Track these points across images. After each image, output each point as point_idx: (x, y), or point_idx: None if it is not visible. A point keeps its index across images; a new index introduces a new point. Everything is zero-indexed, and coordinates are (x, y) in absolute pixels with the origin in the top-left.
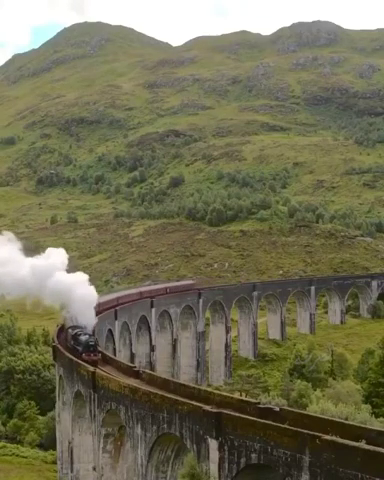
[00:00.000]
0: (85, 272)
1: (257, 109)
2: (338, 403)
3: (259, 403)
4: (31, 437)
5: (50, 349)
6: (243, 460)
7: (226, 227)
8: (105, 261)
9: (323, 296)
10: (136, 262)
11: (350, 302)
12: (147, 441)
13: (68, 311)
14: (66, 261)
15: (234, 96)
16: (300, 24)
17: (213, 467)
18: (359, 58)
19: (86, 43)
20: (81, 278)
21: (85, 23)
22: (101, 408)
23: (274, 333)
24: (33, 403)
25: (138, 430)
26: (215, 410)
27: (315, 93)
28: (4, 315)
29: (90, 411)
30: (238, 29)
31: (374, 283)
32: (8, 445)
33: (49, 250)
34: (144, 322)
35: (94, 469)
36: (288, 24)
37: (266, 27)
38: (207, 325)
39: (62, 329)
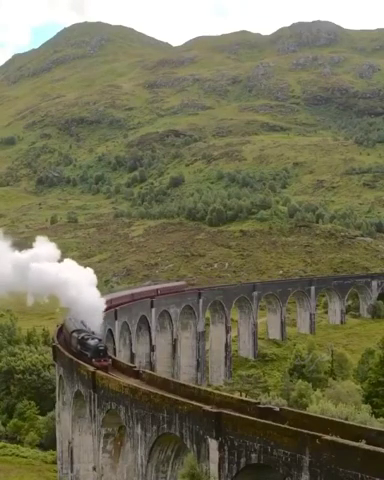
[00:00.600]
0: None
1: (257, 109)
2: (338, 403)
3: (259, 403)
4: (31, 437)
5: (50, 349)
6: (243, 460)
7: (226, 227)
8: (105, 261)
9: (323, 296)
10: (136, 262)
11: (350, 302)
12: (147, 441)
13: (70, 313)
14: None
15: (234, 96)
16: (300, 24)
17: (213, 467)
18: (359, 58)
19: (86, 43)
20: (87, 277)
21: (85, 23)
22: (101, 408)
23: (274, 333)
24: (33, 403)
25: (138, 430)
26: (215, 410)
27: (315, 93)
28: (4, 315)
29: (90, 411)
30: (238, 29)
31: (374, 283)
32: (8, 445)
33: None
34: (144, 322)
35: (94, 469)
36: (288, 24)
37: (266, 27)
38: (207, 325)
39: (62, 329)
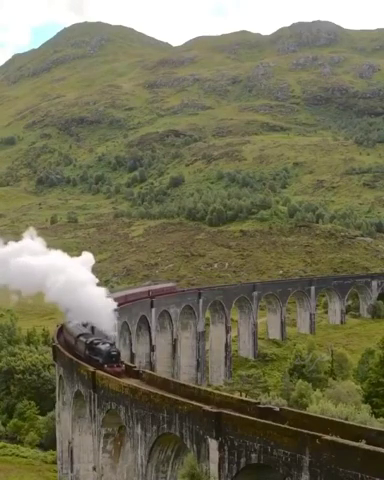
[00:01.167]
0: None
1: (257, 109)
2: (338, 403)
3: (259, 403)
4: (31, 437)
5: (50, 349)
6: (243, 460)
7: (226, 227)
8: (105, 261)
9: (323, 296)
10: (136, 262)
11: (350, 302)
12: (147, 441)
13: (70, 315)
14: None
15: (234, 96)
16: (300, 24)
17: (213, 467)
18: (359, 58)
19: (86, 43)
20: (87, 273)
21: (85, 23)
22: (101, 408)
23: (274, 333)
24: (33, 403)
25: (138, 430)
26: (215, 410)
27: (315, 93)
28: (4, 315)
29: (90, 411)
30: (238, 29)
31: (374, 283)
32: (8, 445)
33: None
34: (144, 322)
35: (94, 469)
36: (288, 24)
37: (266, 27)
38: (207, 325)
39: (62, 330)
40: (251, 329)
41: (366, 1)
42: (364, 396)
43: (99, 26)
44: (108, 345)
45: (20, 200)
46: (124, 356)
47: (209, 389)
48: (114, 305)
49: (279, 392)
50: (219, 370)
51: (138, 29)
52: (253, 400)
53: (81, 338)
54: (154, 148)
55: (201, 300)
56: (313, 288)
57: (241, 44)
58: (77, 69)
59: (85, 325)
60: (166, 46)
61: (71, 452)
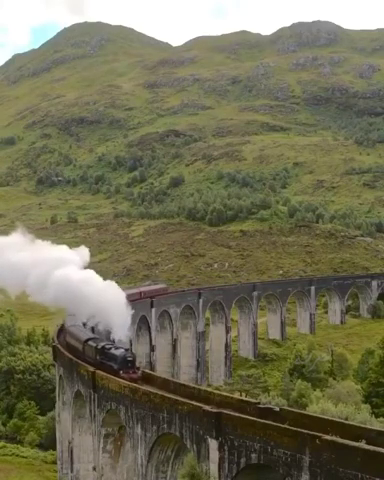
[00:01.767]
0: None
1: (257, 109)
2: (338, 403)
3: (259, 403)
4: (31, 437)
5: (50, 349)
6: (243, 460)
7: (226, 227)
8: (105, 261)
9: (323, 296)
10: (136, 262)
11: (350, 302)
12: (147, 441)
13: (71, 316)
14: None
15: (234, 96)
16: (300, 24)
17: (213, 467)
18: (359, 58)
19: (86, 43)
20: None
21: (85, 23)
22: (101, 408)
23: (274, 333)
24: (33, 403)
25: (138, 430)
26: (215, 410)
27: (315, 93)
28: (4, 315)
29: (90, 411)
30: (238, 29)
31: (374, 283)
32: (8, 445)
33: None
34: (144, 322)
35: (94, 469)
36: (288, 24)
37: (266, 27)
38: (207, 325)
39: (62, 330)
40: (251, 329)
41: (366, 1)
42: (364, 396)
43: (99, 26)
44: (123, 350)
45: (20, 200)
46: None
47: (209, 389)
48: (129, 307)
49: (279, 392)
50: (219, 370)
51: (138, 29)
52: (253, 400)
53: (90, 343)
54: (154, 148)
55: (201, 300)
56: (313, 288)
57: (241, 44)
58: (77, 69)
59: (86, 324)
60: (166, 46)
61: (71, 452)
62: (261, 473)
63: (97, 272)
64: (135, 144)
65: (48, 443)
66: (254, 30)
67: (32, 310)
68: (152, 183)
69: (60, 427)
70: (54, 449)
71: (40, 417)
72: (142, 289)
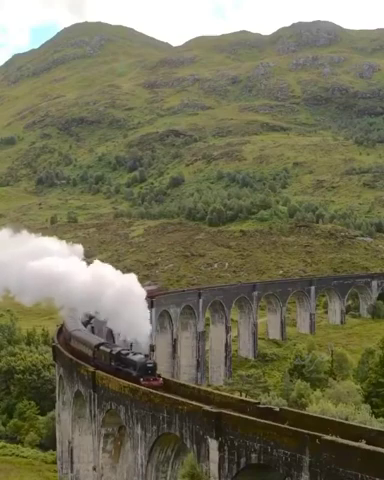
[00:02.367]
0: None
1: (257, 109)
2: (338, 403)
3: (259, 403)
4: (31, 437)
5: (50, 349)
6: (243, 460)
7: (226, 227)
8: (105, 261)
9: (323, 296)
10: (136, 262)
11: (350, 302)
12: (147, 441)
13: (74, 317)
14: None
15: (234, 96)
16: (300, 24)
17: (213, 467)
18: (359, 58)
19: (86, 43)
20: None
21: (85, 23)
22: (101, 408)
23: (274, 333)
24: (33, 403)
25: (138, 430)
26: (215, 410)
27: (315, 93)
28: (4, 315)
29: (90, 411)
30: (238, 29)
31: (374, 283)
32: (8, 445)
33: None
34: None
35: (94, 469)
36: (288, 24)
37: (266, 27)
38: (207, 325)
39: (62, 329)
40: (251, 329)
41: (366, 1)
42: (364, 396)
43: (99, 26)
44: (142, 356)
45: (20, 200)
46: None
47: (209, 389)
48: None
49: (279, 392)
50: (219, 370)
51: (138, 29)
52: (253, 400)
53: (103, 348)
54: (154, 148)
55: (201, 300)
56: (313, 288)
57: (241, 44)
58: (77, 69)
59: (86, 324)
60: (166, 46)
61: (71, 452)
62: (261, 473)
63: None
64: (135, 144)
65: (48, 443)
66: (254, 30)
67: (32, 310)
68: (152, 183)
69: (60, 427)
70: (54, 449)
71: (40, 417)
72: None
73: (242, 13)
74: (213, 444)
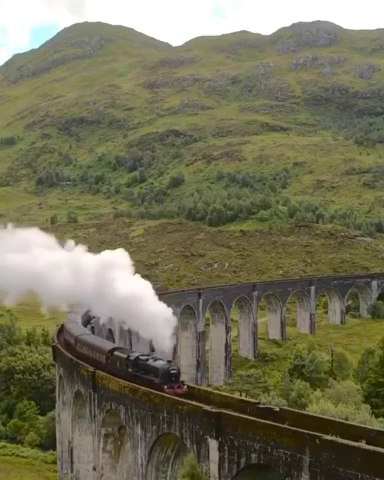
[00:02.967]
0: None
1: (257, 109)
2: (338, 403)
3: (259, 403)
4: (31, 437)
5: (50, 349)
6: (243, 460)
7: (226, 227)
8: None
9: (323, 296)
10: (136, 262)
11: (350, 302)
12: (147, 441)
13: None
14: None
15: (234, 96)
16: (300, 24)
17: (213, 467)
18: (359, 58)
19: (86, 43)
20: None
21: (85, 23)
22: (101, 408)
23: (274, 333)
24: (33, 403)
25: (138, 430)
26: (215, 410)
27: (315, 93)
28: (4, 315)
29: (90, 411)
30: (238, 29)
31: (374, 283)
32: (8, 445)
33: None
34: None
35: (94, 469)
36: (288, 24)
37: (266, 27)
38: (207, 325)
39: (62, 329)
40: (251, 329)
41: (366, 1)
42: (364, 396)
43: (99, 26)
44: (164, 362)
45: (20, 200)
46: None
47: (209, 389)
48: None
49: (279, 392)
50: (219, 370)
51: (138, 29)
52: (253, 400)
53: (118, 353)
54: (154, 148)
55: (201, 300)
56: (313, 288)
57: (241, 44)
58: (77, 69)
59: (85, 324)
60: (166, 46)
61: (71, 452)
62: (261, 473)
63: None
64: (135, 144)
65: (48, 443)
66: (254, 30)
67: (32, 310)
68: (152, 183)
69: (60, 427)
70: (54, 449)
71: (40, 417)
72: None
73: (242, 13)
74: (213, 444)
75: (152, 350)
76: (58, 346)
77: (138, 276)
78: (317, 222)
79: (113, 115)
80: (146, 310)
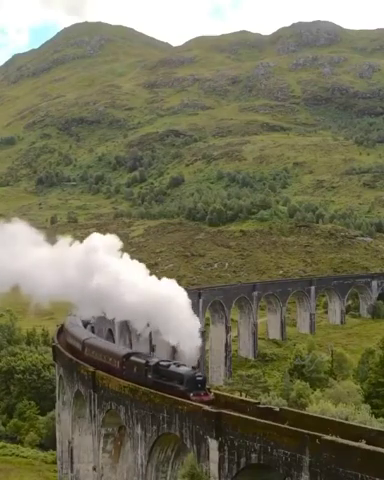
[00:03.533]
0: None
1: (257, 109)
2: (338, 403)
3: (259, 403)
4: (31, 437)
5: (50, 349)
6: (243, 460)
7: (226, 227)
8: None
9: (323, 296)
10: None
11: (350, 302)
12: (147, 441)
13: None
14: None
15: (234, 96)
16: (300, 24)
17: (213, 467)
18: (359, 58)
19: (86, 43)
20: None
21: (85, 23)
22: (101, 408)
23: (274, 333)
24: (33, 403)
25: (138, 430)
26: (215, 410)
27: (315, 93)
28: (4, 315)
29: (90, 411)
30: (238, 29)
31: (374, 283)
32: (8, 445)
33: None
34: None
35: (94, 469)
36: (288, 24)
37: (266, 27)
38: (207, 325)
39: (62, 329)
40: (251, 329)
41: (366, 1)
42: (364, 396)
43: (99, 26)
44: (189, 368)
45: (20, 200)
46: None
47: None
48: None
49: (279, 392)
50: (219, 370)
51: (138, 29)
52: (253, 400)
53: (135, 358)
54: (154, 148)
55: (201, 300)
56: (313, 288)
57: (241, 44)
58: (77, 69)
59: (85, 325)
60: (166, 46)
61: (71, 452)
62: (261, 473)
63: None
64: (135, 144)
65: (48, 443)
66: (254, 30)
67: (32, 310)
68: (152, 183)
69: (60, 427)
70: (54, 449)
71: (40, 417)
72: None
73: (242, 13)
74: (213, 444)
75: (173, 353)
76: (58, 346)
77: (174, 281)
78: (317, 222)
79: (113, 115)
80: (182, 319)
